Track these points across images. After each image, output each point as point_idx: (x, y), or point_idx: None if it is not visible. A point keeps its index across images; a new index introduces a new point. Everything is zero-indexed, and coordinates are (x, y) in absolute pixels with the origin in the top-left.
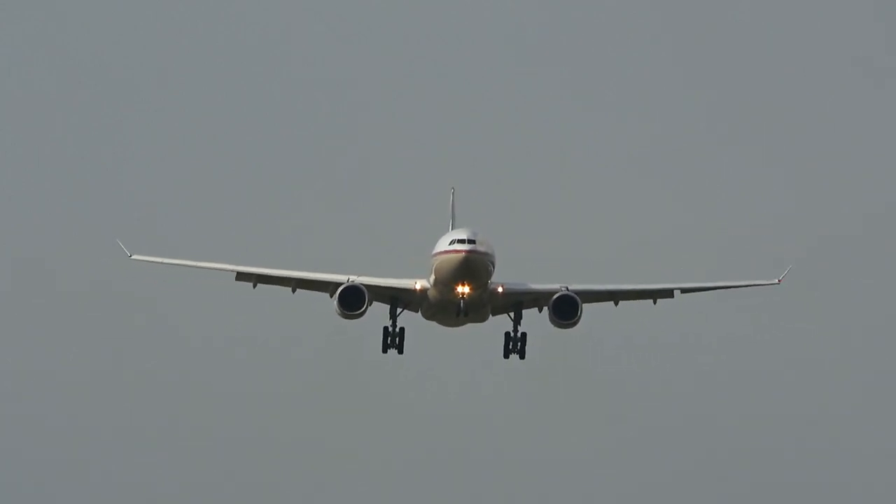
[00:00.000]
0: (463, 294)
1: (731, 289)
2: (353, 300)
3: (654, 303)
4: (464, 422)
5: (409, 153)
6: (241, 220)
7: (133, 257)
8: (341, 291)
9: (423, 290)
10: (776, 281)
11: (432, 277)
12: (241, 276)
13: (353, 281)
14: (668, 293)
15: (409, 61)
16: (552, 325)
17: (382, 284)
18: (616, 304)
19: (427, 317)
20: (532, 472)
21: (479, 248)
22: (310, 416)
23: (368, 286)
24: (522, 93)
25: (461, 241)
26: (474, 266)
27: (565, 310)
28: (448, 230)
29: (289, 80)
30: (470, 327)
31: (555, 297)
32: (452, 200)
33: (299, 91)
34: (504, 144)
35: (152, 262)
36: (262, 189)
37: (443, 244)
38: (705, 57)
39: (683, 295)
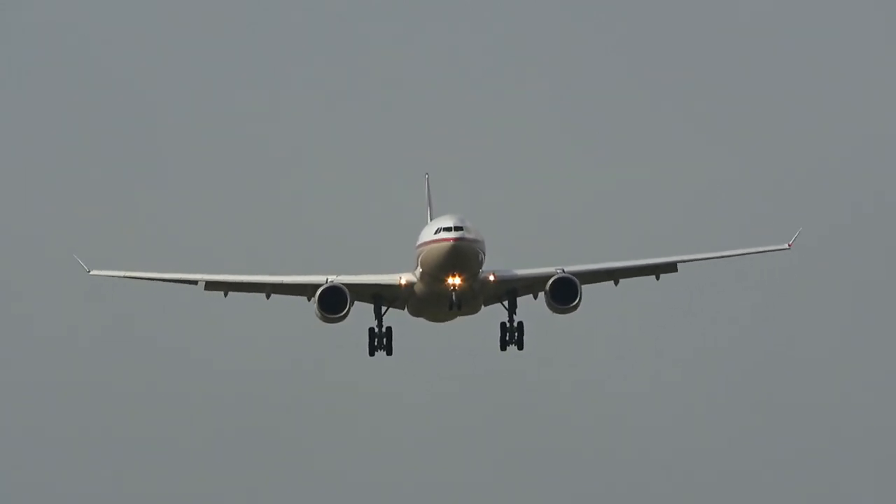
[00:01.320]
0: (454, 286)
1: (739, 256)
2: (334, 302)
3: (657, 278)
4: (469, 424)
5: (377, 143)
6: (200, 226)
7: (92, 273)
8: (321, 293)
9: (409, 285)
10: (786, 245)
11: (418, 270)
12: (210, 286)
13: (332, 281)
14: (671, 267)
15: (363, 51)
16: (550, 311)
17: (364, 282)
18: (616, 283)
19: (414, 313)
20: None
21: (468, 235)
22: (302, 433)
23: (349, 285)
24: (494, 70)
25: (448, 230)
26: (464, 255)
27: (564, 293)
28: (427, 219)
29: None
30: (460, 320)
31: (551, 280)
32: (428, 187)
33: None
34: (478, 125)
35: (113, 276)
36: (218, 193)
37: (428, 233)
38: (700, 30)
39: (688, 268)
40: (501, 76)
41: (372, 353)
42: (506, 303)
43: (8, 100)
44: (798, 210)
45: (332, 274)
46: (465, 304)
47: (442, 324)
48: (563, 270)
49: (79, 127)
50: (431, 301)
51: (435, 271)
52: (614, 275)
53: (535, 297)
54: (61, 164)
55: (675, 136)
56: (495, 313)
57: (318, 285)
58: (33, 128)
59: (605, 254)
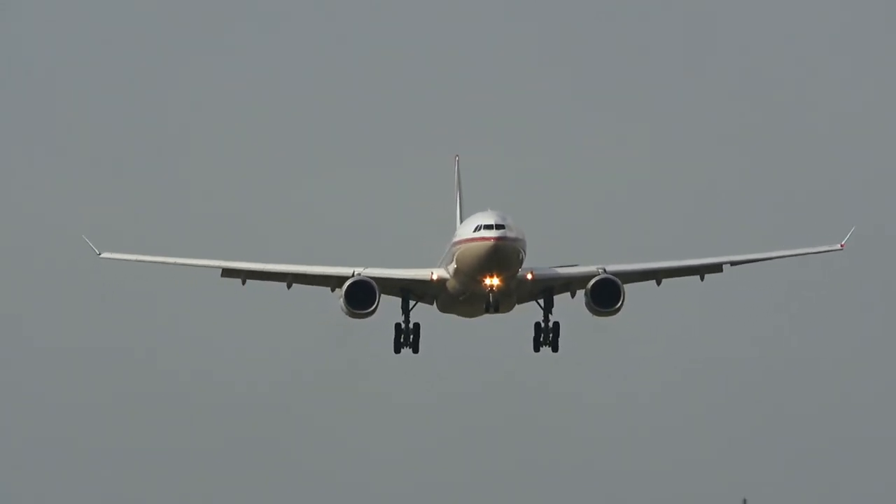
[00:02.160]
0: (492, 286)
1: (788, 258)
2: (362, 297)
3: (702, 279)
4: (503, 428)
5: (403, 130)
6: (216, 211)
7: (102, 255)
8: (349, 287)
9: (441, 281)
10: (839, 246)
11: (452, 267)
12: (227, 273)
13: (360, 274)
14: (716, 267)
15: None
16: (589, 313)
17: (394, 276)
18: (658, 283)
19: (444, 309)
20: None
21: (510, 233)
22: (325, 433)
23: (378, 279)
24: (528, 60)
25: (489, 227)
26: (504, 255)
27: (606, 296)
28: (455, 203)
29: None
30: (489, 317)
31: (593, 281)
32: (457, 169)
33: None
34: (513, 113)
35: (124, 259)
36: (235, 179)
37: (466, 230)
38: (746, 23)
39: (734, 269)
40: (534, 67)
41: (397, 351)
42: (541, 302)
43: (19, 87)
44: (848, 210)
45: (357, 266)
46: (501, 304)
47: (472, 319)
48: (605, 270)
49: (90, 116)
50: (465, 299)
51: (472, 270)
52: (658, 275)
53: (573, 296)
54: (73, 148)
55: (713, 134)
56: (527, 311)
57: (344, 277)
58: (43, 117)
59: (630, 250)
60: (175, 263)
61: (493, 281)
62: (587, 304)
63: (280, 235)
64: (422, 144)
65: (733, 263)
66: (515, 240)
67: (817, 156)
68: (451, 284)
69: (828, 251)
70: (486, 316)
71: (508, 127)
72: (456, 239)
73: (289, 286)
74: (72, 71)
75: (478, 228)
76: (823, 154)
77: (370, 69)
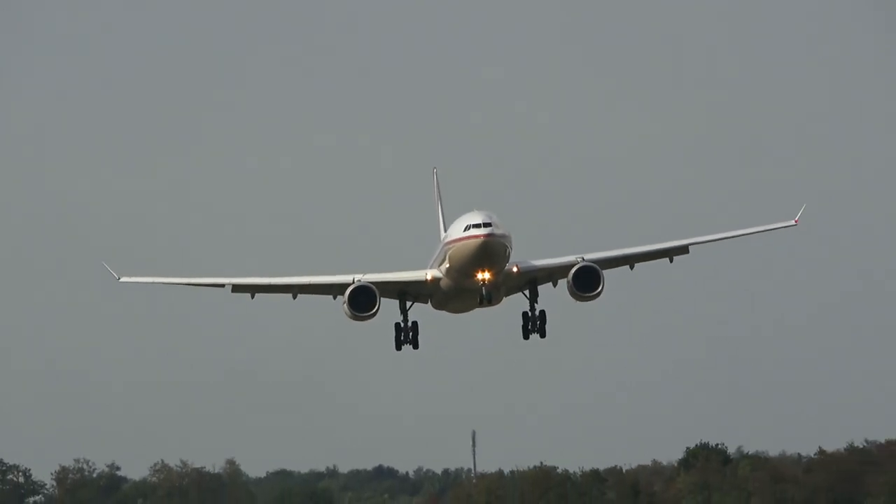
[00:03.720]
0: (483, 280)
1: (748, 235)
2: (363, 301)
3: (671, 261)
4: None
5: (384, 143)
6: (217, 231)
7: (122, 280)
8: (351, 293)
9: (435, 280)
10: (793, 222)
11: (445, 266)
12: (237, 289)
13: (360, 280)
14: (683, 249)
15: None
16: (572, 299)
17: (391, 279)
18: (631, 267)
19: (438, 307)
20: None
21: (497, 231)
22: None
23: (376, 283)
24: (497, 62)
25: (477, 226)
26: (493, 251)
27: (587, 281)
28: (437, 213)
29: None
30: (479, 311)
31: (574, 269)
32: (436, 181)
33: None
34: (484, 120)
35: (142, 282)
36: (231, 199)
37: (456, 230)
38: (707, 20)
39: (698, 249)
40: (506, 67)
41: (399, 348)
42: (527, 292)
43: (37, 111)
44: (800, 188)
45: (356, 273)
46: (493, 297)
47: (463, 314)
48: (584, 259)
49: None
50: (458, 295)
51: (464, 267)
52: (630, 260)
53: (555, 286)
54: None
55: (677, 126)
56: (514, 303)
57: (345, 284)
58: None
59: (600, 238)
60: (189, 284)
61: (484, 275)
62: (570, 291)
63: (280, 250)
64: (401, 155)
65: (697, 244)
66: (502, 236)
67: (769, 144)
68: (444, 283)
69: (785, 227)
70: (477, 310)
71: (485, 131)
72: (447, 239)
73: (294, 297)
74: (86, 89)
75: (467, 228)
76: (775, 143)
77: (356, 90)
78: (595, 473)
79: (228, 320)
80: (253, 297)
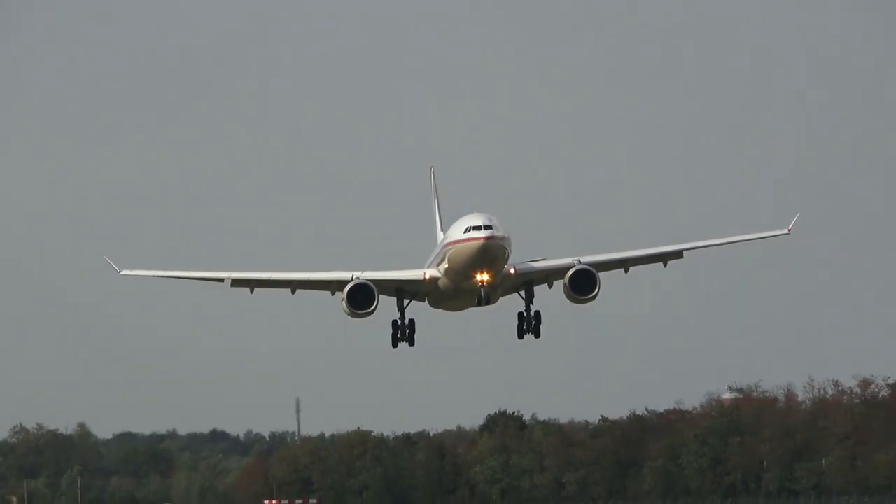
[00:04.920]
0: (482, 282)
1: (741, 242)
2: (362, 299)
3: (665, 265)
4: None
5: (383, 142)
6: (211, 226)
7: (123, 273)
8: (350, 290)
9: (433, 280)
10: (786, 230)
11: (444, 266)
12: (236, 283)
13: (358, 278)
14: (677, 254)
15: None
16: (568, 301)
17: (389, 278)
18: (626, 270)
19: (435, 305)
20: None
21: (497, 233)
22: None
23: (375, 281)
24: (495, 65)
25: (478, 228)
26: (493, 253)
27: (584, 284)
28: (434, 212)
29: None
30: (473, 309)
31: (571, 271)
32: (433, 180)
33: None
34: (482, 119)
35: (143, 275)
36: (221, 196)
37: (456, 232)
38: (704, 28)
39: (692, 254)
40: (507, 68)
41: (395, 345)
42: (522, 293)
43: (36, 104)
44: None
45: (354, 270)
46: (491, 297)
47: (459, 312)
48: (580, 261)
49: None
50: (456, 295)
51: (464, 268)
52: (625, 263)
53: (550, 287)
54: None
55: (674, 130)
56: (508, 303)
57: (344, 281)
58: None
59: (592, 241)
60: (189, 277)
61: (483, 277)
62: (566, 293)
63: (280, 247)
64: (399, 155)
65: (691, 249)
66: (503, 239)
67: (764, 152)
68: (442, 282)
69: (778, 235)
70: (472, 309)
71: (483, 131)
72: (447, 240)
73: (293, 292)
74: (88, 83)
75: (468, 230)
76: (769, 151)
77: (354, 88)
78: (406, 437)
79: (85, 293)
80: (252, 291)
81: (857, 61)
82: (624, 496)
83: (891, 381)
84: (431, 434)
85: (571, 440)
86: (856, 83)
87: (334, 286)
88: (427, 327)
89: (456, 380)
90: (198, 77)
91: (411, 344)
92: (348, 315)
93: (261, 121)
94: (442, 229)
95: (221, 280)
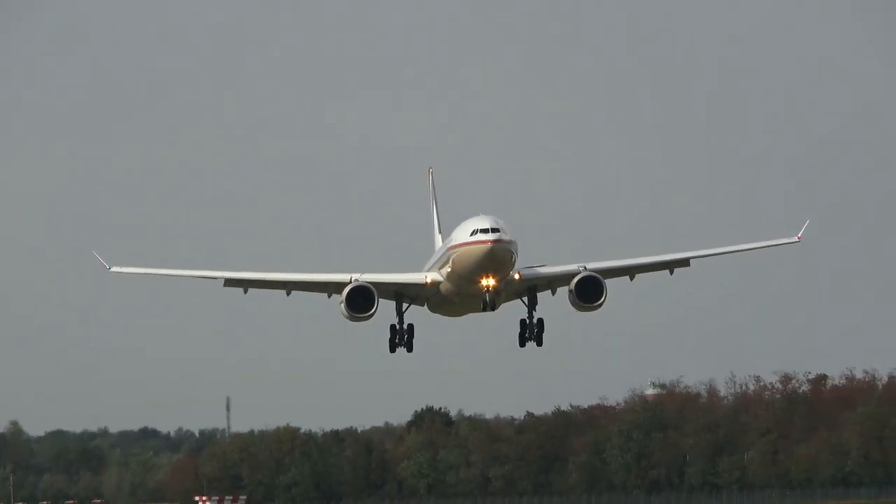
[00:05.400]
0: (487, 287)
1: (750, 251)
2: (361, 301)
3: (671, 273)
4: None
5: (380, 144)
6: (211, 225)
7: (112, 269)
8: (349, 293)
9: (435, 284)
10: (796, 238)
11: (447, 270)
12: (230, 283)
13: (357, 280)
14: (684, 262)
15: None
16: (574, 308)
17: (389, 281)
18: (632, 278)
19: (434, 310)
20: None
21: (504, 236)
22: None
23: (374, 283)
24: (498, 66)
25: (485, 231)
26: (500, 257)
27: (589, 291)
28: (432, 213)
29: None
30: (472, 315)
31: (577, 278)
32: (431, 181)
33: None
34: (483, 122)
35: (133, 273)
36: (223, 195)
37: (461, 234)
38: (710, 31)
39: (699, 262)
40: (508, 71)
41: (392, 350)
42: (525, 299)
43: (33, 103)
44: (805, 204)
45: (353, 272)
46: (496, 303)
47: (456, 319)
48: (586, 268)
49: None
50: (458, 300)
51: (469, 272)
52: (631, 270)
53: (554, 294)
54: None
55: (681, 140)
56: (509, 309)
57: (342, 283)
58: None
59: (599, 249)
60: (181, 276)
61: (488, 281)
62: (571, 301)
63: (275, 248)
64: (399, 155)
65: (698, 257)
66: (510, 242)
67: (772, 159)
68: (444, 287)
69: (787, 243)
70: (471, 315)
71: (486, 136)
72: (451, 243)
73: (288, 293)
74: (88, 83)
75: (474, 232)
76: (778, 158)
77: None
78: (335, 434)
79: (17, 293)
80: (246, 291)
81: (867, 67)
82: (549, 491)
83: (811, 377)
84: (359, 430)
85: (497, 436)
86: (867, 90)
87: (332, 288)
88: (420, 331)
89: (382, 376)
90: (196, 77)
91: (409, 349)
92: (346, 318)
93: (258, 121)
94: (440, 232)
95: (215, 279)
